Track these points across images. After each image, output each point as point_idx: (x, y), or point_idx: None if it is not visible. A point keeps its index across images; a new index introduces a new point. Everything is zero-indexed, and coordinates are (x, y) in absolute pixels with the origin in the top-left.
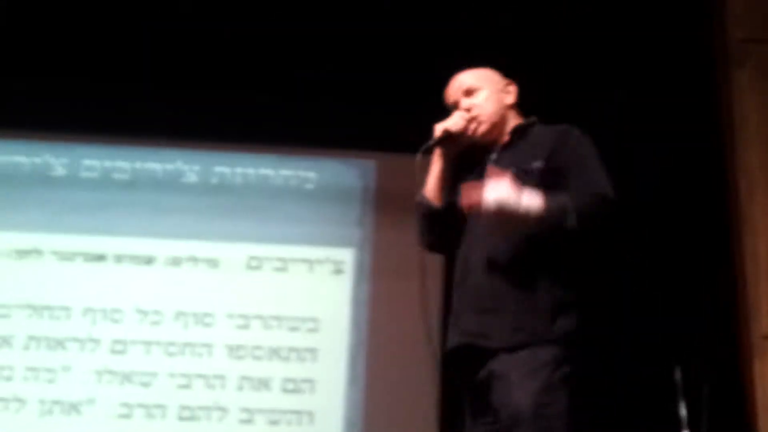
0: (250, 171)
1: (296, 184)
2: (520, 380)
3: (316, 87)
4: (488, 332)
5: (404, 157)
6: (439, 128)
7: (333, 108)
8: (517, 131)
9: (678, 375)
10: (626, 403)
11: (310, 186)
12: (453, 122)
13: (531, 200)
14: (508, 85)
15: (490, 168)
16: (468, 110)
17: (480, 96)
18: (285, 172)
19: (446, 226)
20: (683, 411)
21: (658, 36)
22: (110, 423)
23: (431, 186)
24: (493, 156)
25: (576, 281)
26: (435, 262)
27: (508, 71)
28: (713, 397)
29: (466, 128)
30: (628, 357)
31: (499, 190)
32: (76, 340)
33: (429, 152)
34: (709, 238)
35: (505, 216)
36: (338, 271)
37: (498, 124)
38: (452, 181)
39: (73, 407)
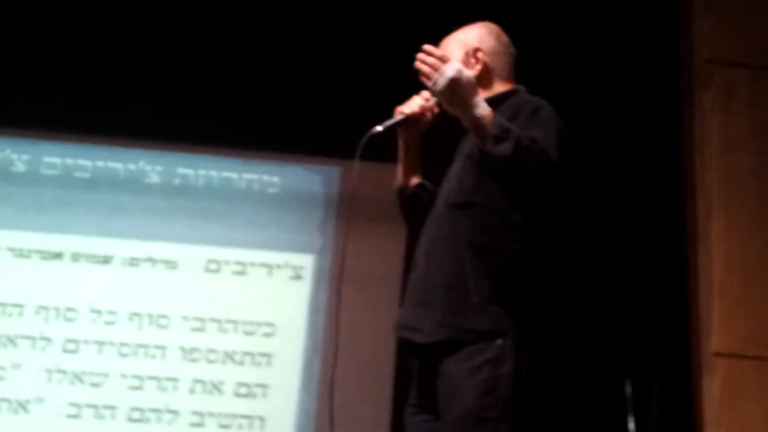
0: (214, 173)
1: (259, 188)
2: (459, 381)
3: (282, 91)
4: (419, 326)
5: (370, 165)
6: (397, 112)
7: (300, 113)
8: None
9: (628, 389)
10: (576, 416)
11: (273, 190)
12: (409, 106)
13: (482, 103)
14: (476, 53)
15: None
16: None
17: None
18: (248, 176)
19: (416, 209)
20: (632, 425)
21: (624, 53)
22: (59, 422)
23: (398, 169)
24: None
25: (515, 279)
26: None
27: None
28: (662, 412)
29: (422, 109)
30: (579, 369)
31: (460, 72)
32: (27, 337)
33: (379, 136)
34: (664, 254)
35: (454, 96)
36: (297, 277)
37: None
38: (420, 161)
39: (21, 406)
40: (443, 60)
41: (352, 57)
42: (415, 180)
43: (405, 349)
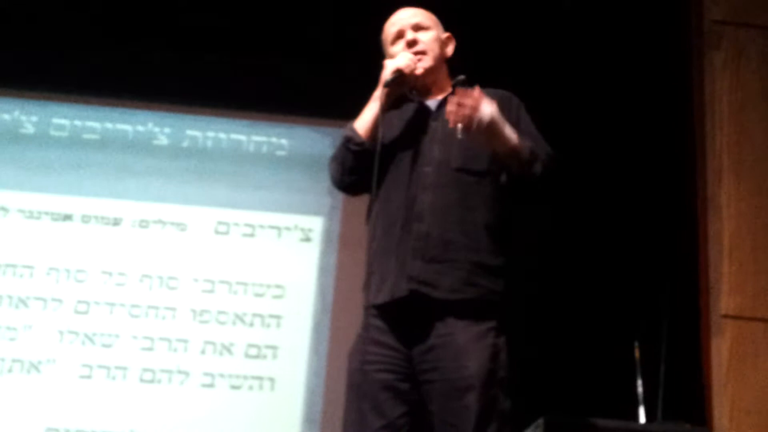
0: (222, 136)
1: (268, 150)
2: (466, 344)
3: (290, 52)
4: (436, 282)
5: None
6: (390, 67)
7: (308, 74)
8: (460, 85)
9: (637, 351)
10: (584, 379)
11: (281, 153)
12: (404, 63)
13: (512, 132)
14: (449, 37)
15: (459, 91)
16: (412, 45)
17: (428, 35)
18: (257, 138)
19: (369, 167)
20: (640, 388)
21: (633, 15)
22: (70, 383)
23: (367, 123)
24: (434, 104)
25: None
26: None
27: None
28: (670, 375)
29: (413, 69)
30: (588, 331)
31: (492, 108)
32: (39, 299)
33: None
34: (673, 217)
35: (493, 134)
36: (306, 239)
37: (435, 72)
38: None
39: (34, 366)
40: (477, 100)
41: (357, 18)
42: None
43: (411, 303)
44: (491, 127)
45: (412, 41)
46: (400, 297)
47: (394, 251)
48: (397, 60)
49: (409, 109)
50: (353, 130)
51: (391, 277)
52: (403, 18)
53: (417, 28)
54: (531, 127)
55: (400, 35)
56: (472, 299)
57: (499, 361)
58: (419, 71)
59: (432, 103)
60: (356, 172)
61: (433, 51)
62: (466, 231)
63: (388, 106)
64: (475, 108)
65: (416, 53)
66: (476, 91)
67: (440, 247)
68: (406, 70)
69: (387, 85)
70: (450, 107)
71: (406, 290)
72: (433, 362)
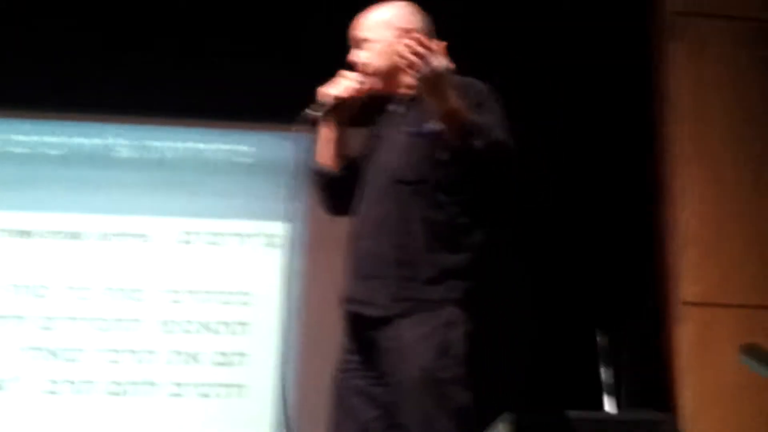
0: (183, 145)
1: (229, 157)
2: (412, 344)
3: (251, 59)
4: (371, 300)
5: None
6: (324, 95)
7: (268, 79)
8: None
9: (600, 340)
10: (550, 369)
11: (243, 159)
12: (340, 87)
13: (455, 95)
14: (407, 33)
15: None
16: (355, 66)
17: (370, 48)
18: (218, 146)
19: (348, 189)
20: (605, 376)
21: (593, 6)
22: (37, 399)
23: (324, 153)
24: (398, 110)
25: (472, 245)
26: None
27: None
28: (636, 362)
29: (353, 91)
30: (551, 322)
31: (443, 64)
32: (1, 317)
33: (314, 122)
34: (635, 205)
35: (437, 87)
36: (271, 245)
37: (392, 78)
38: (347, 141)
39: (0, 384)
40: (430, 50)
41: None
42: (341, 162)
43: (354, 322)
44: (437, 78)
45: (353, 62)
46: (346, 314)
47: (348, 268)
48: (332, 86)
49: (386, 119)
50: (315, 164)
51: (343, 293)
52: (352, 32)
53: (361, 42)
54: (494, 115)
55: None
56: (402, 314)
57: (450, 357)
58: (361, 93)
59: (396, 108)
60: (330, 197)
61: (379, 63)
62: (400, 244)
63: (343, 127)
64: (428, 53)
65: (362, 73)
66: (438, 43)
67: (373, 264)
68: (344, 94)
69: (323, 113)
70: (400, 50)
71: (345, 310)
72: (387, 365)
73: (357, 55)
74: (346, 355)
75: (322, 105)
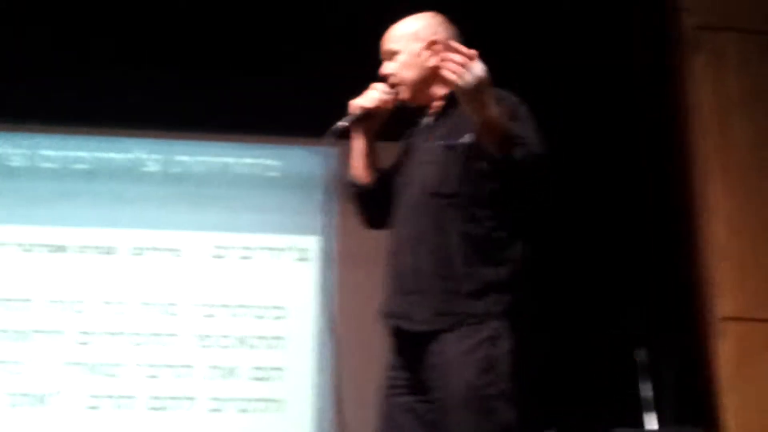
0: (212, 159)
1: (259, 172)
2: (456, 359)
3: (279, 73)
4: (411, 314)
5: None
6: (354, 107)
7: (296, 93)
8: (450, 100)
9: (641, 357)
10: (589, 386)
11: (273, 174)
12: (368, 99)
13: (495, 105)
14: (432, 44)
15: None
16: (386, 78)
17: (398, 60)
18: (248, 160)
19: (382, 202)
20: (648, 392)
21: (613, 22)
22: (77, 414)
23: (357, 164)
24: (429, 122)
25: (512, 258)
26: None
27: None
28: (676, 379)
29: (382, 103)
30: (592, 339)
31: (483, 72)
32: (39, 331)
33: (345, 134)
34: (669, 221)
35: (476, 95)
36: (303, 259)
37: (421, 90)
38: (377, 152)
39: (39, 399)
40: (470, 58)
41: (345, 36)
42: (373, 174)
43: (396, 336)
44: (478, 87)
45: (384, 75)
46: (389, 330)
47: (387, 284)
48: (362, 98)
49: (417, 131)
50: (349, 176)
51: (383, 308)
52: (382, 45)
53: (390, 54)
54: (527, 125)
55: None
56: (445, 329)
57: (494, 372)
58: (392, 103)
59: (430, 121)
60: (368, 211)
61: (407, 74)
62: (439, 258)
63: (372, 139)
64: (467, 62)
65: (391, 85)
66: (471, 52)
67: (413, 278)
68: (368, 105)
69: (352, 124)
70: (441, 58)
71: (388, 326)
72: (433, 380)
73: (386, 68)
74: (393, 371)
75: (352, 117)
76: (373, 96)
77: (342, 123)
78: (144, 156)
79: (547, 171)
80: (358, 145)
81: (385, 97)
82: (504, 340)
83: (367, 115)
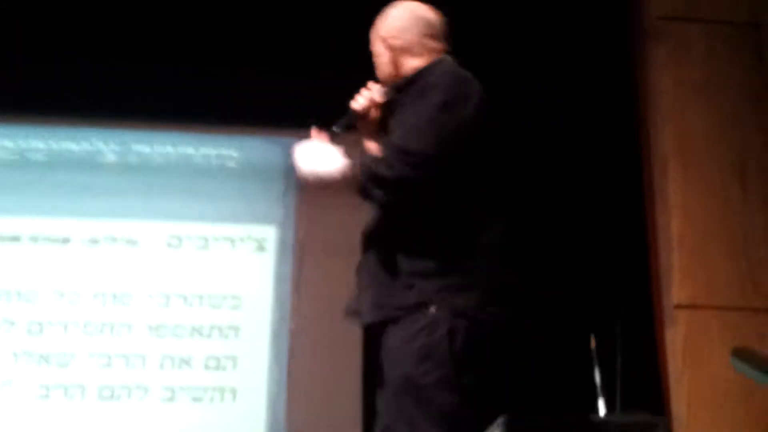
0: (171, 149)
1: (218, 162)
2: (396, 349)
3: (239, 63)
4: (360, 309)
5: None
6: (352, 108)
7: (255, 83)
8: (401, 86)
9: (593, 343)
10: (542, 373)
11: (231, 164)
12: (358, 102)
13: (332, 165)
14: (385, 40)
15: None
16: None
17: (377, 59)
18: (206, 150)
19: None
20: (598, 379)
21: (576, 12)
22: (28, 404)
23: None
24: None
25: (445, 252)
26: None
27: None
28: (627, 365)
29: (370, 103)
30: (544, 327)
31: (305, 163)
32: None
33: (344, 131)
34: (623, 210)
35: (323, 182)
36: (260, 249)
37: (395, 73)
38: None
39: None
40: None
41: (305, 25)
42: None
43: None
44: (316, 181)
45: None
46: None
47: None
48: (355, 99)
49: None
50: None
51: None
52: None
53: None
54: (411, 114)
55: None
56: (383, 322)
57: (431, 361)
58: (371, 105)
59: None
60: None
61: (381, 74)
62: (381, 252)
63: (372, 137)
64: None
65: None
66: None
67: (365, 274)
68: (356, 107)
69: (345, 127)
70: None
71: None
72: (378, 371)
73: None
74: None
75: (344, 120)
76: (363, 96)
77: (335, 127)
78: (101, 146)
79: (418, 183)
80: (363, 142)
81: (374, 97)
82: (441, 326)
83: (359, 116)
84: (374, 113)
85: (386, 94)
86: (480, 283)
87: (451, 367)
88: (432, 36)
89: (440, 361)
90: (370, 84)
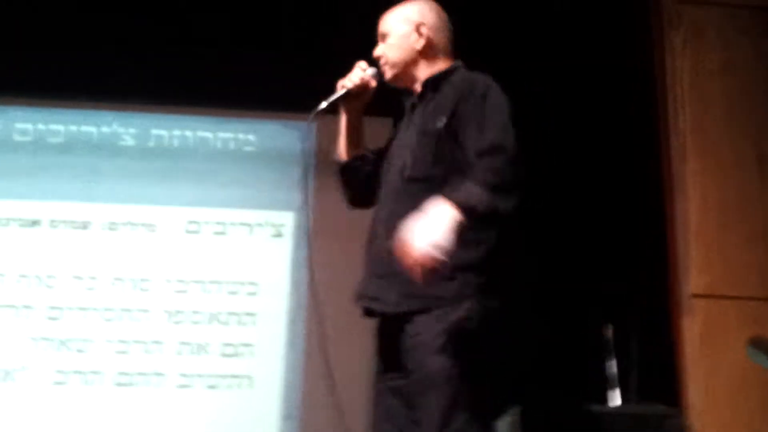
0: (189, 134)
1: (235, 146)
2: (431, 340)
3: (258, 48)
4: (381, 297)
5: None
6: (339, 85)
7: (274, 67)
8: (428, 84)
9: (609, 333)
10: (556, 362)
11: (249, 149)
12: (350, 79)
13: (443, 220)
14: (420, 26)
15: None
16: (377, 60)
17: (387, 41)
18: (224, 135)
19: (363, 180)
20: (614, 369)
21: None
22: (45, 390)
23: (341, 142)
24: (410, 105)
25: (483, 240)
26: None
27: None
28: (643, 355)
29: (363, 82)
30: (559, 315)
31: (418, 243)
32: (9, 306)
33: (328, 110)
34: (640, 198)
35: (449, 236)
36: (278, 235)
37: (405, 72)
38: (362, 131)
39: (7, 374)
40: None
41: (324, 11)
42: (356, 152)
43: (374, 318)
44: (435, 258)
45: (375, 57)
46: (364, 312)
47: (364, 267)
48: (346, 78)
49: (403, 115)
50: (335, 154)
51: (356, 290)
52: (378, 27)
53: (382, 36)
54: (487, 113)
55: None
56: (415, 311)
57: (467, 353)
58: (374, 84)
59: (408, 104)
60: (345, 187)
61: (392, 56)
62: None
63: (356, 118)
64: (412, 256)
65: (379, 66)
66: (401, 241)
67: (387, 262)
68: (349, 85)
69: (333, 103)
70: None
71: (360, 307)
72: (409, 362)
73: (377, 49)
74: (378, 356)
75: (334, 96)
76: (355, 75)
77: (324, 103)
78: (120, 130)
79: (518, 171)
80: (343, 123)
81: (366, 77)
82: (475, 321)
83: (349, 94)
84: (366, 95)
85: (378, 76)
86: (506, 279)
87: (482, 359)
88: (451, 42)
89: (474, 354)
90: (362, 63)
